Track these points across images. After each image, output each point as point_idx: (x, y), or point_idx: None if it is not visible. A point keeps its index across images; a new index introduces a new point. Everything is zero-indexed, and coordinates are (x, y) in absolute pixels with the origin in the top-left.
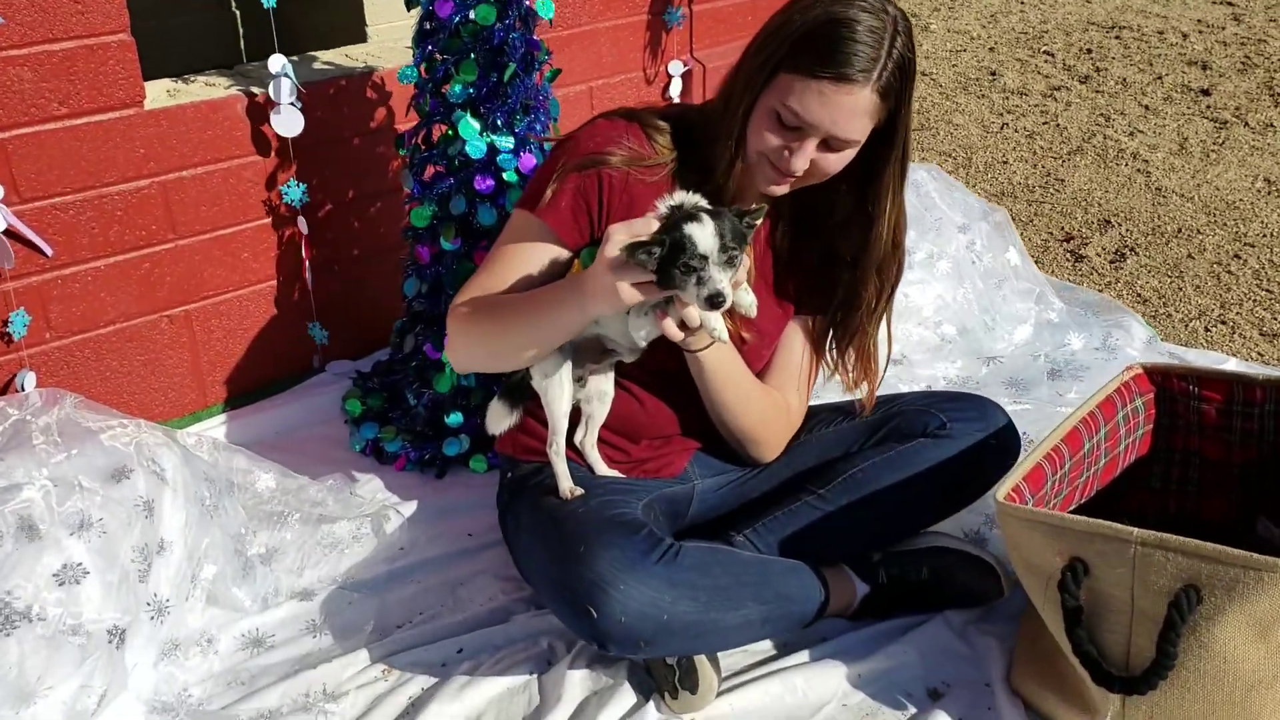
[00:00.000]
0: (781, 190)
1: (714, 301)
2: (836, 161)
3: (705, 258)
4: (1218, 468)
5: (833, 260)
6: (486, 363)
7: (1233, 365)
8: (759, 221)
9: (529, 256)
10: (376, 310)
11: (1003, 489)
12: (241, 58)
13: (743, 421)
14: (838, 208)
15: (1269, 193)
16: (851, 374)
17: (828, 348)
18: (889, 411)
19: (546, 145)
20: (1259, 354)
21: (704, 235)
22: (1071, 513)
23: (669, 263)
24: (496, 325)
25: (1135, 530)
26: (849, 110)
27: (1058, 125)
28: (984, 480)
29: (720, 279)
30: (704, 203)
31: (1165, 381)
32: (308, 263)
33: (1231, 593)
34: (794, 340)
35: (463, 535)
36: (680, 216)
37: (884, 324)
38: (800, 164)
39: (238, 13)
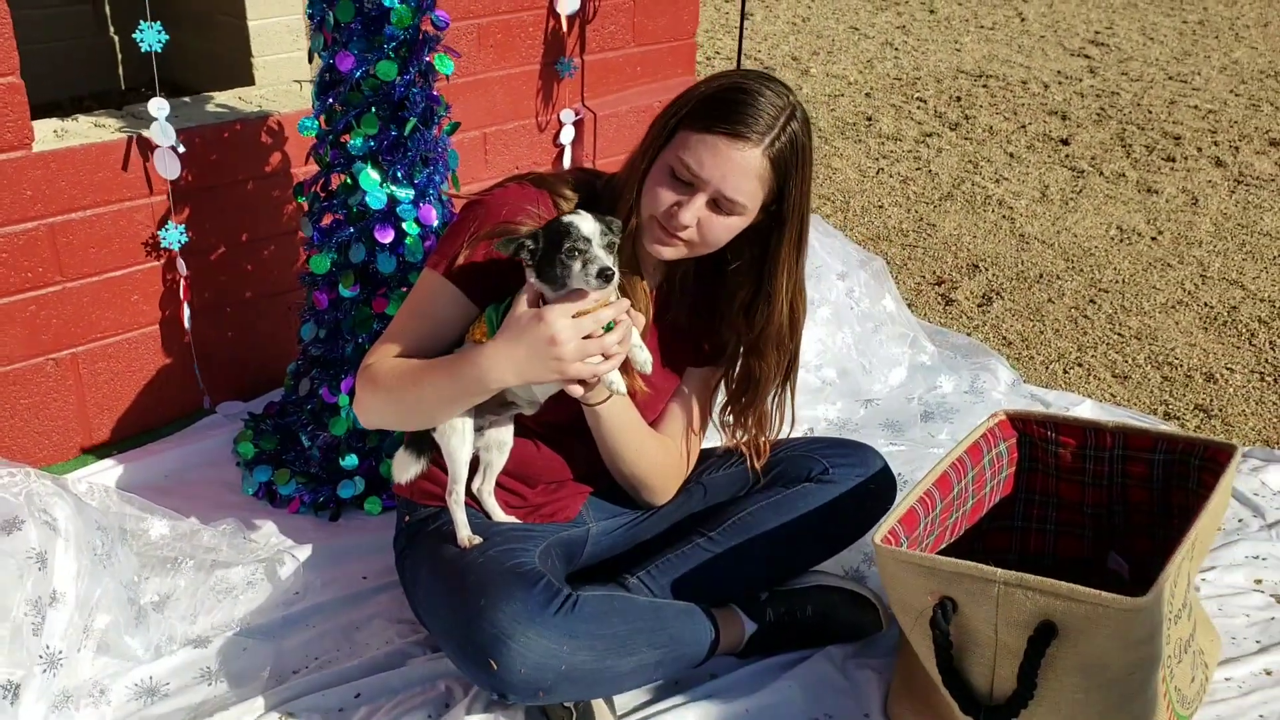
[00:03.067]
0: (670, 252)
1: (605, 275)
2: (723, 228)
3: (589, 239)
4: (1072, 508)
5: (729, 329)
6: (398, 425)
7: (1088, 405)
8: (621, 231)
9: (441, 317)
10: (269, 351)
11: (880, 532)
12: (120, 84)
13: (636, 469)
14: (737, 294)
15: (1121, 240)
16: (744, 437)
17: (725, 416)
18: (775, 457)
19: (446, 199)
20: (1111, 395)
21: (584, 221)
22: (941, 552)
23: (553, 253)
24: (411, 394)
25: (999, 571)
26: (739, 167)
27: (930, 171)
28: (863, 521)
29: (606, 258)
30: None
31: (1026, 427)
32: (186, 305)
33: (1083, 626)
34: (686, 393)
35: (357, 579)
36: (557, 216)
37: (788, 394)
38: (688, 218)
39: (116, 38)
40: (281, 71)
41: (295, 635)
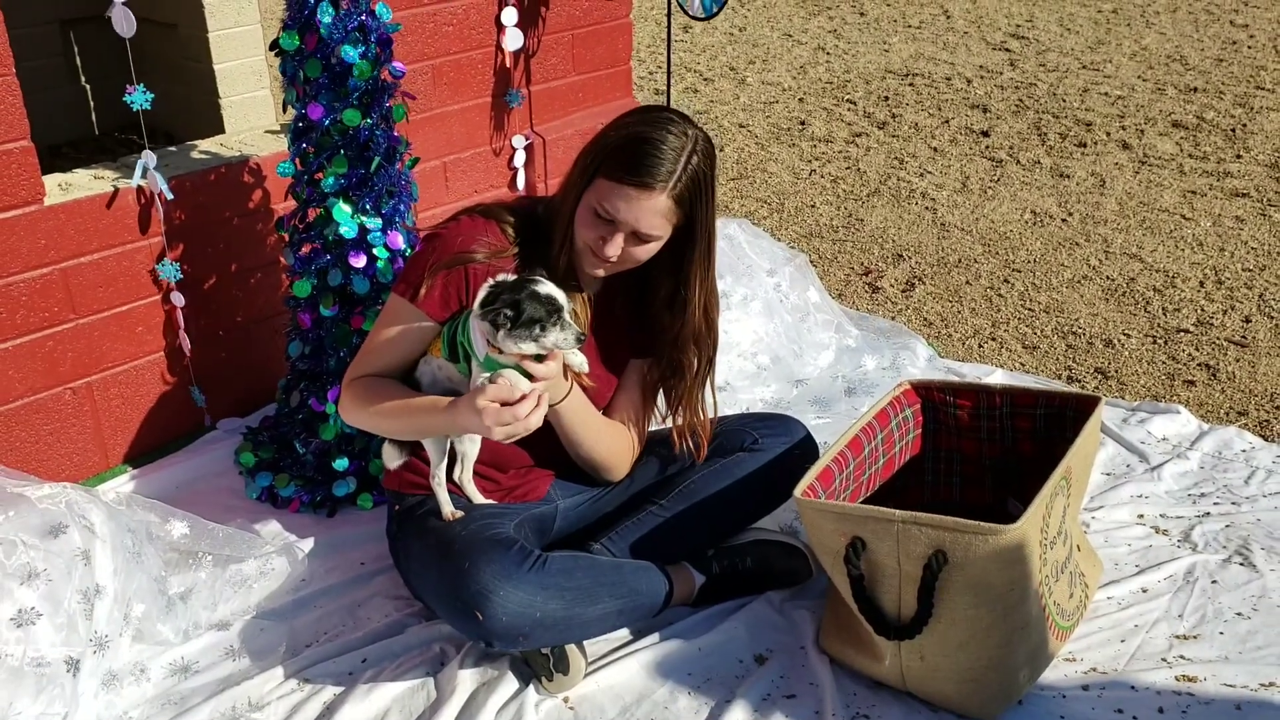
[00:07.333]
0: (603, 272)
1: (581, 338)
2: (644, 251)
3: (562, 308)
4: (973, 461)
5: (656, 323)
6: (380, 434)
7: (999, 375)
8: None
9: (410, 335)
10: (261, 370)
11: (800, 487)
12: (94, 130)
13: (593, 453)
14: (659, 291)
15: (1034, 223)
16: (682, 421)
17: (662, 408)
18: (713, 432)
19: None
20: (1021, 364)
21: (555, 291)
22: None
23: (534, 317)
24: (386, 420)
25: (896, 511)
26: (649, 211)
27: (858, 170)
28: (791, 482)
29: (578, 326)
30: (513, 278)
31: (928, 394)
32: (183, 332)
33: (968, 552)
34: (630, 382)
35: (356, 565)
36: (522, 281)
37: (708, 389)
38: (612, 251)
39: (88, 87)
40: (248, 111)
41: (305, 615)
